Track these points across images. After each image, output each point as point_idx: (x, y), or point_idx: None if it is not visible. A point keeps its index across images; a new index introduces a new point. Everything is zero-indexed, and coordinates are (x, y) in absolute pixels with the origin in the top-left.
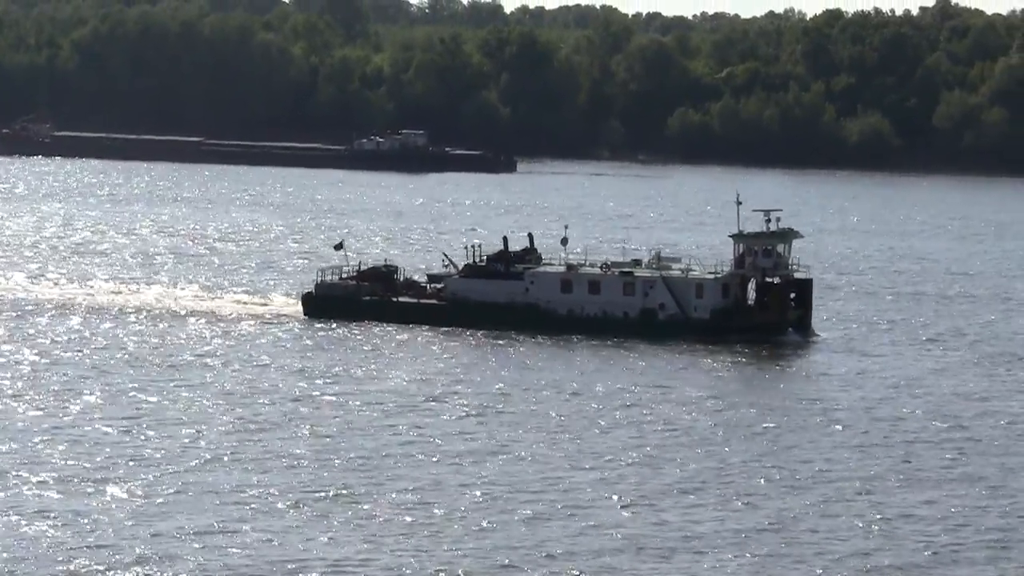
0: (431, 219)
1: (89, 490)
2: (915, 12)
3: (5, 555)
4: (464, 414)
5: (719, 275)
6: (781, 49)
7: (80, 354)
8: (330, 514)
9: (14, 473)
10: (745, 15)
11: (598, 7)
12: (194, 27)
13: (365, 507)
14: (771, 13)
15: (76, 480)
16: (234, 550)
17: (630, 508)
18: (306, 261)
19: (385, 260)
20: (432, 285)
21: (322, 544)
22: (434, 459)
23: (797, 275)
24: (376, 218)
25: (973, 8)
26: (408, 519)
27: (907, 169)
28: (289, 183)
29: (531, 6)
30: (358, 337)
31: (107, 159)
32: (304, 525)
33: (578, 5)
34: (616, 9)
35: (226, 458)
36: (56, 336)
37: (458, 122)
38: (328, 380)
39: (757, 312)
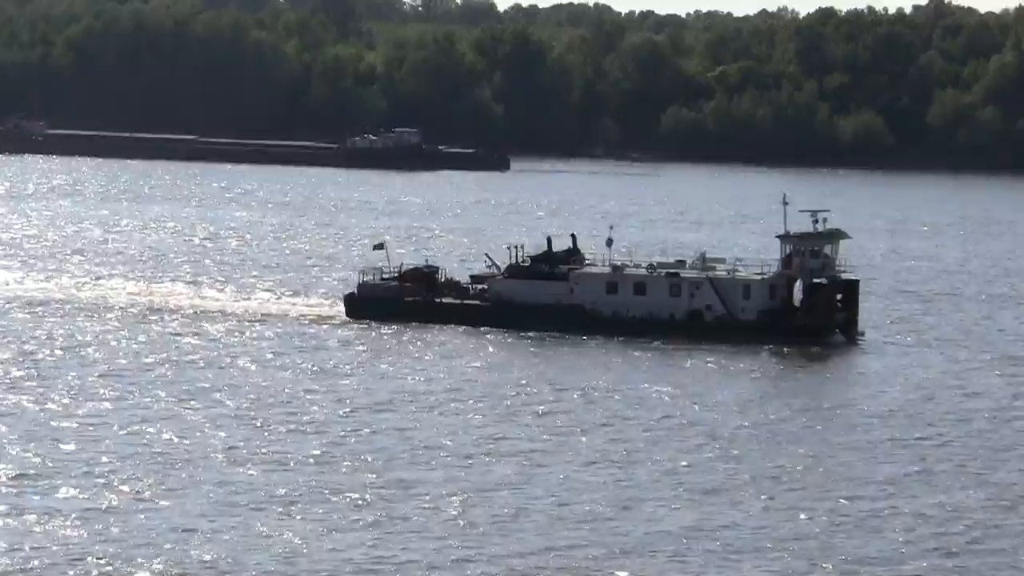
0: (429, 217)
1: (102, 488)
2: (908, 11)
3: (15, 554)
4: (500, 415)
5: (766, 276)
6: (774, 48)
7: (113, 354)
8: (344, 515)
9: (47, 470)
10: (738, 13)
11: (591, 5)
12: (187, 25)
13: (380, 508)
14: (764, 12)
15: (93, 480)
16: (241, 549)
17: (653, 510)
18: (338, 262)
19: (426, 260)
20: (475, 286)
21: (334, 544)
22: (465, 460)
23: (844, 276)
24: (385, 217)
25: (966, 7)
26: (424, 520)
27: (900, 168)
28: (283, 181)
29: (524, 4)
30: (403, 338)
31: (100, 157)
32: (318, 525)
33: (571, 3)
34: (609, 7)
35: (247, 458)
36: (83, 336)
37: (451, 120)
38: (372, 382)
39: (804, 314)
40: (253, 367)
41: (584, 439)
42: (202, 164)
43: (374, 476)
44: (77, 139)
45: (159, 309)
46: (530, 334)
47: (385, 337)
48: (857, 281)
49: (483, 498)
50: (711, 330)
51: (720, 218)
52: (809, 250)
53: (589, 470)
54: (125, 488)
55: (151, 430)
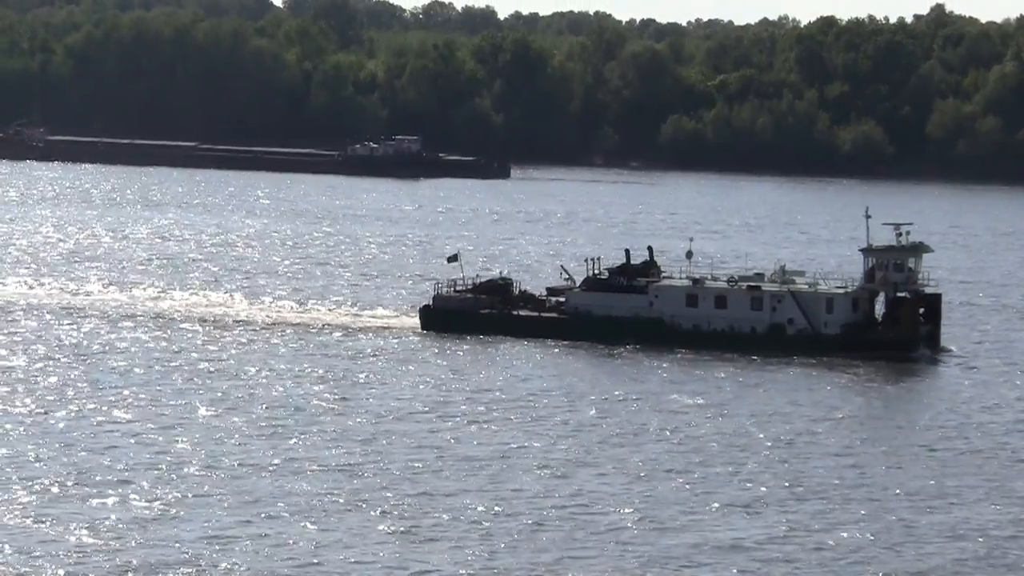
0: (452, 225)
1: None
2: (909, 20)
3: (25, 560)
4: (565, 428)
5: (849, 290)
6: (775, 56)
7: (207, 363)
8: (373, 523)
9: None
10: (739, 22)
11: (592, 13)
12: (188, 32)
13: (412, 518)
14: (765, 20)
15: (132, 487)
16: (263, 558)
17: (693, 523)
18: (407, 274)
19: (500, 273)
20: (551, 298)
21: (356, 553)
22: (515, 471)
23: (927, 290)
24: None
25: (967, 16)
26: (450, 531)
27: (900, 177)
28: (287, 188)
29: (525, 12)
30: (478, 350)
31: (101, 164)
32: (342, 533)
33: (572, 11)
34: (610, 15)
35: (294, 466)
36: (150, 346)
37: (451, 128)
38: (443, 392)
39: (888, 327)
40: (323, 378)
41: (636, 453)
42: (202, 171)
43: (419, 487)
44: (77, 146)
45: (223, 320)
46: (608, 347)
47: (461, 349)
48: (939, 295)
49: (522, 509)
50: (793, 344)
51: (726, 227)
52: (893, 263)
53: (633, 482)
54: (166, 495)
55: (197, 437)
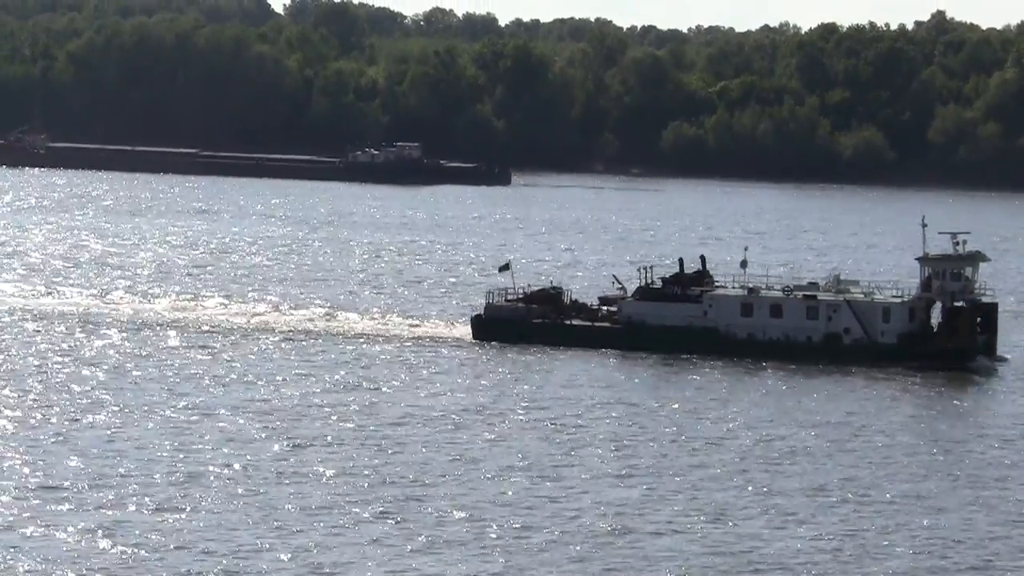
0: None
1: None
2: (910, 26)
3: (28, 563)
4: (612, 437)
5: (905, 299)
6: (776, 63)
7: (265, 370)
8: (388, 531)
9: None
10: (740, 29)
11: (593, 20)
12: (189, 39)
13: (431, 526)
14: (766, 27)
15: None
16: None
17: (712, 530)
18: (453, 283)
19: (551, 282)
20: (603, 308)
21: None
22: (549, 481)
23: (983, 299)
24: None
25: (968, 22)
26: (473, 538)
27: (901, 183)
28: (289, 195)
29: (526, 19)
30: (535, 361)
31: (102, 170)
32: (346, 537)
33: (573, 18)
34: (611, 22)
35: (334, 474)
36: (221, 355)
37: (452, 135)
38: (493, 401)
39: (946, 337)
40: (363, 386)
41: (651, 460)
42: (203, 178)
43: (443, 492)
44: (79, 152)
45: (275, 329)
46: (662, 356)
47: (514, 359)
48: (996, 304)
49: (538, 514)
50: (849, 354)
51: (732, 234)
52: (950, 272)
53: (637, 489)
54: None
55: (215, 441)
